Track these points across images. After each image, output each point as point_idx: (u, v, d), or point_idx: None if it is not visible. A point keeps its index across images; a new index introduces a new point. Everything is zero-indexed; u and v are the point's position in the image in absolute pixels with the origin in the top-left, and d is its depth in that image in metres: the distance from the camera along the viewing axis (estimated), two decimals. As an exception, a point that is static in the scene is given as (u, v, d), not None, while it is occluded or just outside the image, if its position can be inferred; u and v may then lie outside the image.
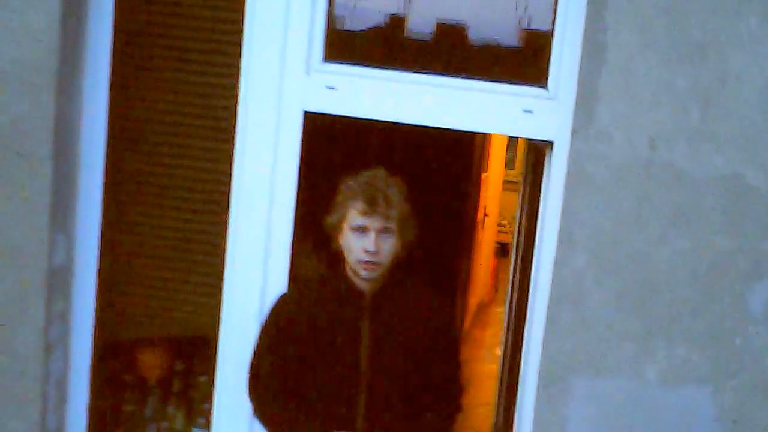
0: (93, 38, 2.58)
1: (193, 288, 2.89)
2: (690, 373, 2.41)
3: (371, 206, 2.30)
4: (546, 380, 2.44)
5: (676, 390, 2.43)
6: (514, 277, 4.11)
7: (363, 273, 2.34)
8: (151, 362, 3.08)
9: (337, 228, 2.36)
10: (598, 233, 2.38)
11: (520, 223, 4.00)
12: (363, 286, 2.38)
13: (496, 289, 8.80)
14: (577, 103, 2.36)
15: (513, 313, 4.03)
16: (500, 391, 4.31)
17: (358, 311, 2.39)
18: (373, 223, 2.31)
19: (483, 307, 8.09)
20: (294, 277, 2.59)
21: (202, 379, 3.07)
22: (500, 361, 4.30)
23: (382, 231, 2.32)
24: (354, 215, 2.32)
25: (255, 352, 2.46)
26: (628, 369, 2.43)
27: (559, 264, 2.41)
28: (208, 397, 2.74)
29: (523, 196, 3.93)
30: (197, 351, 3.03)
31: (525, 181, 3.92)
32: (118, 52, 2.59)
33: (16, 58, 2.47)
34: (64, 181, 2.58)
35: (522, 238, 3.94)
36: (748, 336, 2.37)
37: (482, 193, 7.07)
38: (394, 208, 2.31)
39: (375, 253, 2.31)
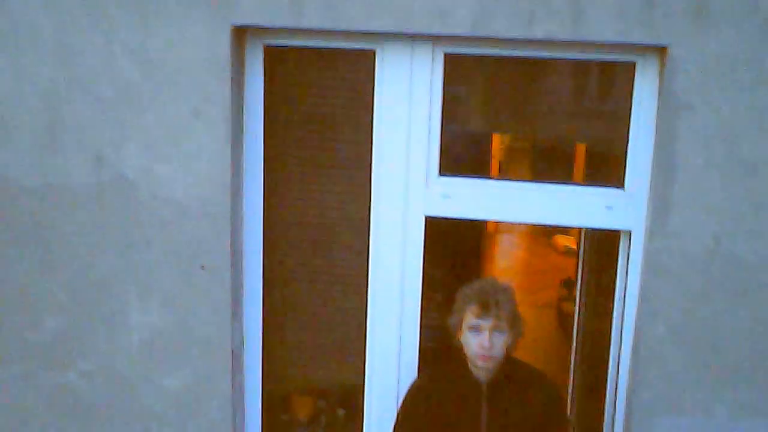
0: (249, 176, 3.18)
1: (338, 350, 3.57)
2: (752, 410, 3.06)
3: (484, 309, 2.86)
4: (633, 422, 3.11)
5: (740, 423, 3.09)
6: (577, 343, 4.71)
7: (480, 364, 2.89)
8: (305, 405, 3.78)
9: (457, 327, 2.93)
10: (673, 307, 3.01)
11: (580, 293, 4.60)
12: (480, 375, 2.93)
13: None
14: (653, 207, 2.95)
15: (576, 380, 4.64)
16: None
17: (477, 397, 2.92)
18: (487, 323, 2.86)
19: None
20: (423, 365, 3.22)
21: (340, 412, 3.77)
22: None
23: (495, 329, 2.85)
24: (470, 317, 2.87)
25: (394, 428, 3.10)
26: (701, 409, 3.08)
27: (643, 332, 3.05)
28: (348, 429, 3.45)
29: (582, 270, 4.52)
30: (342, 399, 3.73)
31: (584, 259, 4.51)
32: (267, 178, 3.21)
33: (200, 195, 3.08)
34: (237, 285, 3.22)
35: (583, 308, 4.55)
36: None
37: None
38: (503, 310, 2.87)
39: (489, 348, 2.85)
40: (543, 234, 13.16)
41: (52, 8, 3.01)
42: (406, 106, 3.06)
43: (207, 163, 3.04)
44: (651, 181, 2.99)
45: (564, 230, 11.46)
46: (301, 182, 3.57)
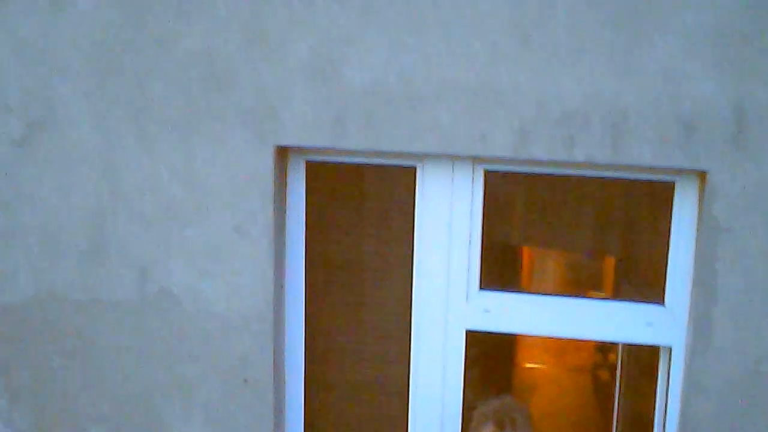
0: (291, 291, 3.23)
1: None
2: None
3: (500, 429, 2.88)
4: None
5: None
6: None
7: None
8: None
9: None
10: (716, 427, 3.01)
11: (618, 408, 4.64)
12: None
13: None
14: (694, 326, 2.96)
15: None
16: None
17: None
18: None
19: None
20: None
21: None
22: None
23: None
24: None
25: None
26: None
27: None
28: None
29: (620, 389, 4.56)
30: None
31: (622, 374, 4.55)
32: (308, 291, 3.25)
33: (243, 310, 3.13)
34: (279, 398, 3.25)
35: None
36: None
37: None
38: (519, 430, 2.92)
39: None
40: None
41: (100, 127, 3.08)
42: (447, 221, 3.10)
43: (250, 279, 3.09)
44: (691, 300, 3.00)
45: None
46: (341, 293, 3.61)
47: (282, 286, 3.18)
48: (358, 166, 3.24)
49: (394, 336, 3.49)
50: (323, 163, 3.18)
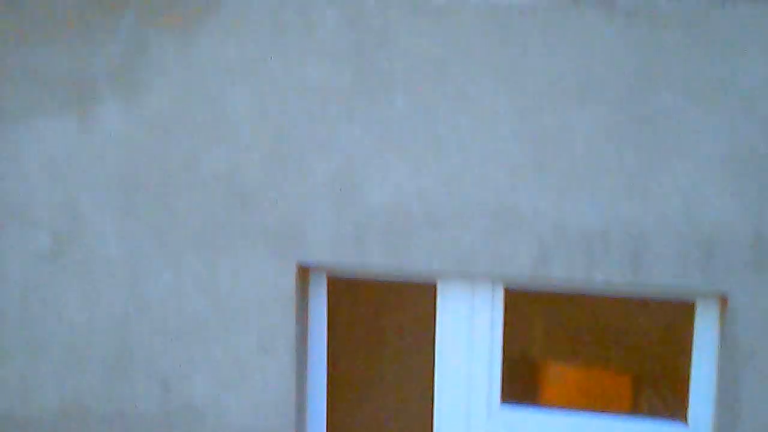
0: (313, 406, 3.23)
1: None
2: None
3: None
4: None
5: None
6: None
7: None
8: None
9: None
10: None
11: None
12: None
13: None
14: (716, 450, 2.94)
15: None
16: None
17: None
18: None
19: None
20: None
21: None
22: None
23: None
24: None
25: None
26: None
27: None
28: None
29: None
30: None
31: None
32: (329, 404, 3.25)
33: (265, 424, 3.14)
34: None
35: None
36: None
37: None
38: None
39: None
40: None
41: (125, 240, 3.13)
42: (467, 337, 3.11)
43: (272, 394, 3.11)
44: (714, 422, 2.97)
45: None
46: (361, 409, 3.61)
47: (304, 402, 3.19)
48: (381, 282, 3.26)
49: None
50: (347, 280, 3.20)
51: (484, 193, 2.92)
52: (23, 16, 3.11)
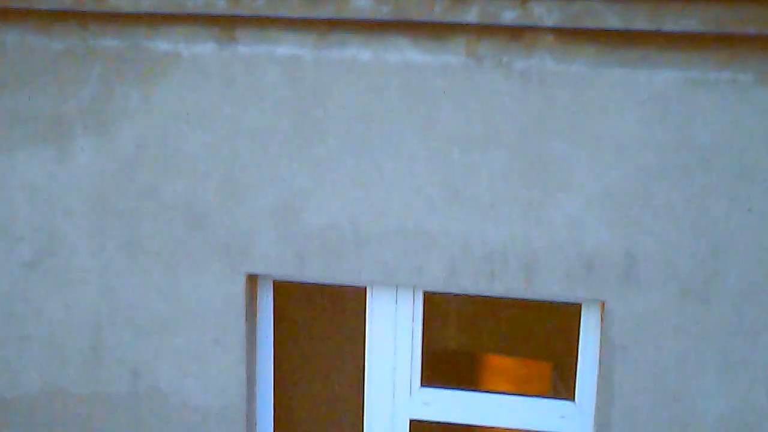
0: (261, 388, 3.85)
1: None
2: None
3: None
4: None
5: None
6: None
7: None
8: None
9: None
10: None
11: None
12: None
13: None
14: (598, 423, 3.59)
15: None
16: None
17: None
18: None
19: None
20: None
21: None
22: None
23: None
24: None
25: None
26: None
27: None
28: None
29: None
30: None
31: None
32: (276, 388, 3.84)
33: (221, 403, 3.75)
34: (252, 476, 3.88)
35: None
36: None
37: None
38: None
39: None
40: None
41: (97, 254, 3.65)
42: (393, 331, 3.70)
43: (226, 380, 3.69)
44: (596, 401, 3.63)
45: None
46: (305, 389, 4.22)
47: (254, 386, 3.78)
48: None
49: (352, 426, 4.12)
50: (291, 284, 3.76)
51: (404, 219, 3.48)
52: (5, 64, 3.56)
